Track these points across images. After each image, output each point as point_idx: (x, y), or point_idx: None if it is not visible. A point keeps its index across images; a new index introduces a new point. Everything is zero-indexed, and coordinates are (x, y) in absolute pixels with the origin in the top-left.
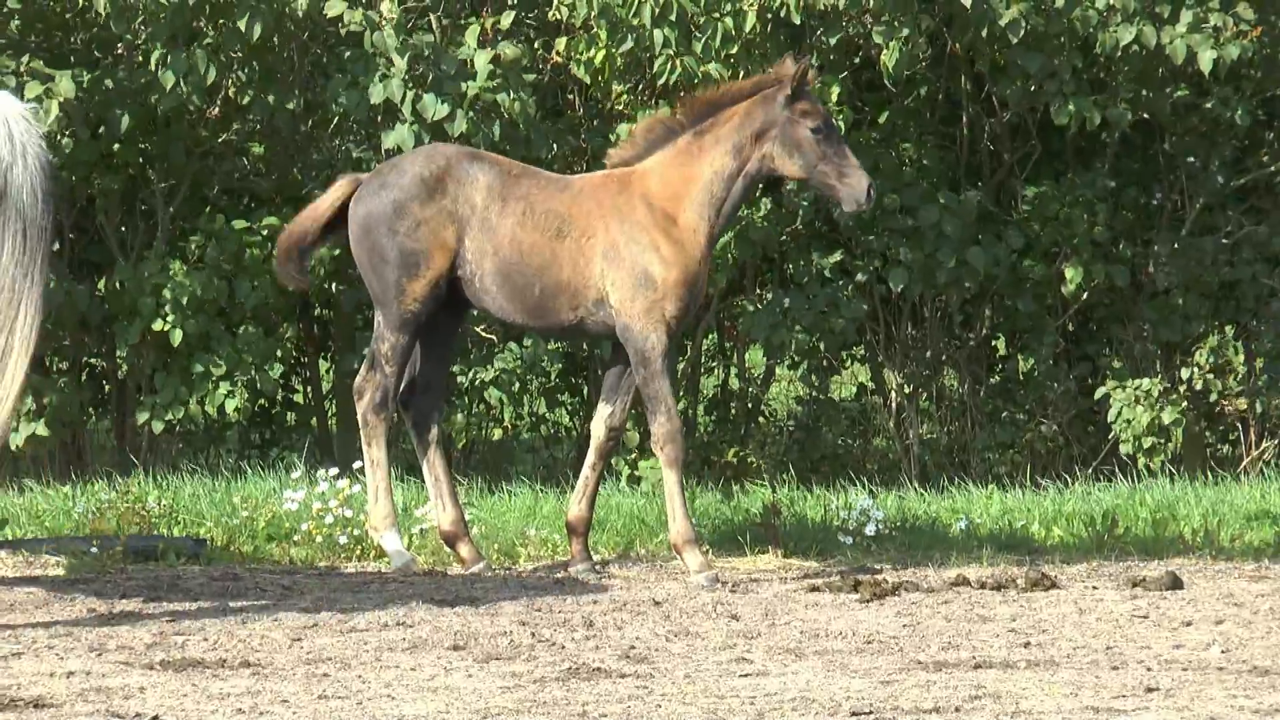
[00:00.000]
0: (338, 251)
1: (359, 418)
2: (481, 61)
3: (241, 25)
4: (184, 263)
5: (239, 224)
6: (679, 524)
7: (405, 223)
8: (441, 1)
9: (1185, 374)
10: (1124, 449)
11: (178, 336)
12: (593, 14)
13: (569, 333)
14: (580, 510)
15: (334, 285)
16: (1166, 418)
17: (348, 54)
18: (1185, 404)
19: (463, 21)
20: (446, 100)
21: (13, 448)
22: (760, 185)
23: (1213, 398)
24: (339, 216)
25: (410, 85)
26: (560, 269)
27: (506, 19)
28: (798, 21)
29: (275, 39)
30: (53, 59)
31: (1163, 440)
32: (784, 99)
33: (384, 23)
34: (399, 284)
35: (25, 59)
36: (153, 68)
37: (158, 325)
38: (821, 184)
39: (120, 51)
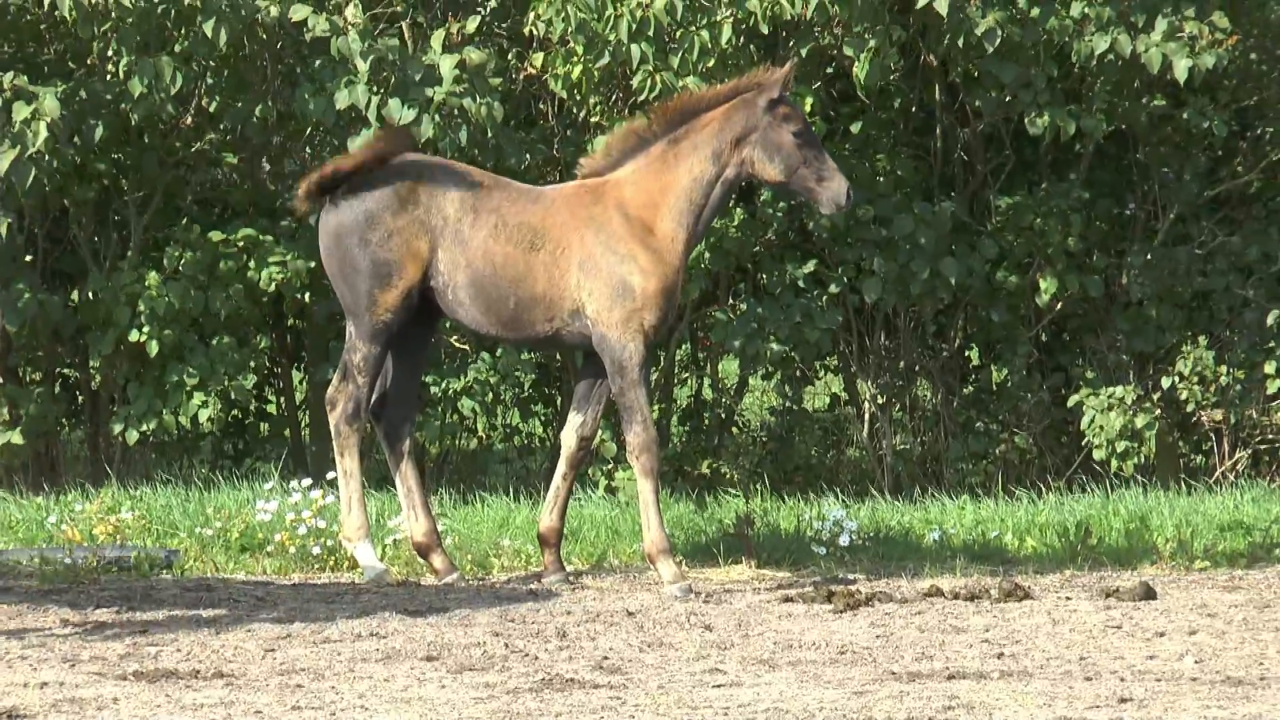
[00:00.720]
0: (313, 263)
1: (332, 429)
2: (447, 66)
3: (208, 30)
4: (159, 273)
5: (215, 236)
6: (653, 534)
7: (377, 233)
8: (409, 9)
9: (1166, 383)
10: (1097, 454)
11: (155, 347)
12: (569, 30)
13: (544, 344)
14: (552, 521)
15: (307, 296)
16: (1140, 421)
17: (318, 62)
18: (1159, 412)
19: (429, 29)
20: (412, 105)
21: None
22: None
23: (1190, 408)
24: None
25: (375, 90)
26: (535, 281)
27: (472, 24)
28: (765, 31)
29: (246, 47)
30: (28, 70)
31: (1136, 445)
32: (766, 103)
33: (348, 28)
34: (371, 294)
35: (9, 76)
36: (121, 76)
37: (134, 336)
38: (801, 188)
39: (93, 62)
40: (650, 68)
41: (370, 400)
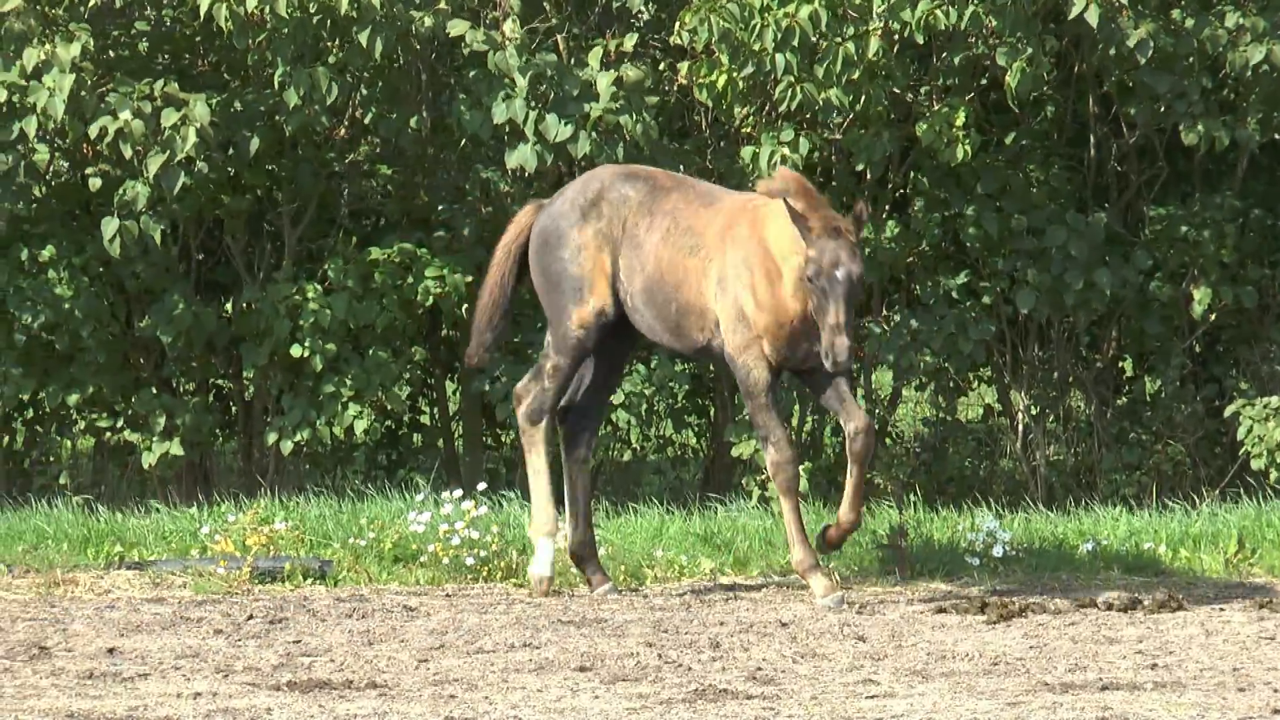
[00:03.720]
0: (470, 277)
1: (518, 422)
2: (604, 83)
3: (364, 40)
4: (316, 285)
5: (376, 252)
6: (798, 551)
7: (567, 249)
8: (565, 22)
9: None
10: (1255, 464)
11: (317, 361)
12: (714, 39)
13: (702, 354)
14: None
15: (463, 307)
16: None
17: (471, 74)
18: None
19: (586, 43)
20: (569, 121)
21: (145, 466)
22: None
23: None
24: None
25: (533, 105)
26: (689, 288)
27: (630, 41)
28: (921, 42)
29: (400, 58)
30: (182, 81)
31: None
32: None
33: (507, 43)
34: (566, 309)
35: (160, 83)
36: (276, 87)
37: (296, 351)
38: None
39: (248, 73)
40: (794, 79)
41: (555, 407)
